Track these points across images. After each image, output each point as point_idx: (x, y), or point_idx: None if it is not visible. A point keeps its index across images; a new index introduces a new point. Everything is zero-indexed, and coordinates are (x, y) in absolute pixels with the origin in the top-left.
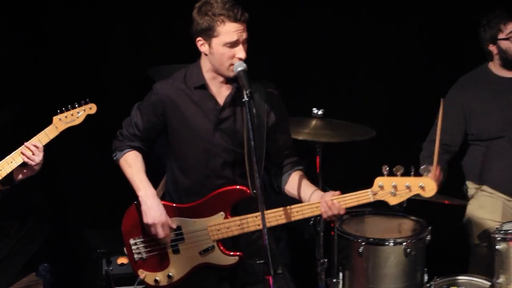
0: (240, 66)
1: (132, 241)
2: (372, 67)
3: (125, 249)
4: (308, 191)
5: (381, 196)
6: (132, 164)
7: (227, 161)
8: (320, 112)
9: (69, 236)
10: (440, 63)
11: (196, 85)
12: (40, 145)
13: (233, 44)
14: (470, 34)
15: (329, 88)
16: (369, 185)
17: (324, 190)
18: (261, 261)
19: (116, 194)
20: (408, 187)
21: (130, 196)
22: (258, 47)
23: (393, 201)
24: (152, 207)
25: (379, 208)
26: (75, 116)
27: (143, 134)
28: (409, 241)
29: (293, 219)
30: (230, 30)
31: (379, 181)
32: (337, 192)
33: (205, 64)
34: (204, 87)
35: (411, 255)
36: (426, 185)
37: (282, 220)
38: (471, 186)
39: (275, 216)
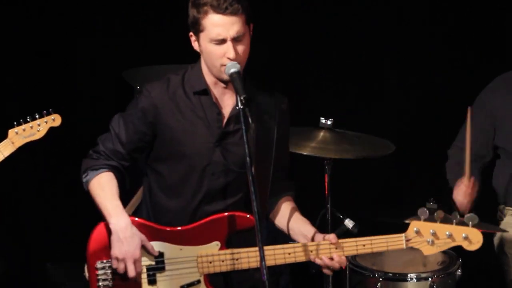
0: (232, 68)
1: (99, 264)
2: (388, 72)
3: (86, 273)
4: (305, 230)
5: (416, 243)
6: (106, 186)
7: (225, 183)
8: (329, 122)
9: (28, 271)
10: (466, 67)
11: (196, 89)
12: None
13: (220, 41)
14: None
15: (339, 96)
16: (387, 208)
17: (333, 214)
18: None
19: (83, 222)
20: (450, 236)
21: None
22: (261, 48)
23: (429, 250)
24: (125, 240)
25: None
26: (35, 129)
27: (126, 149)
28: (436, 276)
29: (298, 260)
30: (213, 24)
31: (415, 225)
32: (332, 239)
33: (205, 65)
34: (205, 92)
35: None
36: (471, 236)
37: (281, 260)
38: (504, 211)
39: (274, 255)
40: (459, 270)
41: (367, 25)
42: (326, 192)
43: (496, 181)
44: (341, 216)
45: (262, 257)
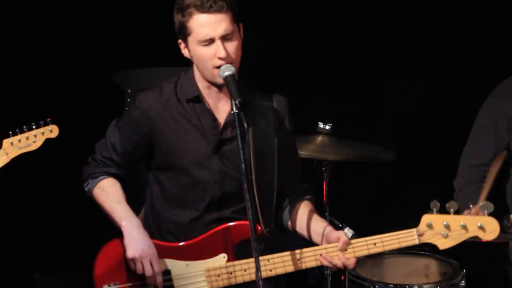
0: (227, 71)
1: None
2: (387, 75)
3: None
4: (319, 227)
5: (429, 237)
6: (110, 191)
7: (225, 191)
8: (327, 127)
9: (16, 282)
10: (466, 69)
11: (188, 97)
12: None
13: (209, 42)
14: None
15: (337, 100)
16: (388, 216)
17: (331, 222)
18: None
19: (72, 231)
20: (464, 227)
21: (89, 233)
22: (257, 51)
23: (444, 244)
24: (139, 238)
25: None
26: (31, 140)
27: (121, 159)
28: None
29: (308, 265)
30: (199, 24)
31: (427, 219)
32: (340, 243)
33: (198, 71)
34: (198, 99)
35: None
36: (486, 225)
37: (291, 268)
38: None
39: (283, 262)
40: (463, 281)
41: (365, 27)
42: (325, 200)
43: (510, 190)
44: (340, 225)
45: (258, 268)
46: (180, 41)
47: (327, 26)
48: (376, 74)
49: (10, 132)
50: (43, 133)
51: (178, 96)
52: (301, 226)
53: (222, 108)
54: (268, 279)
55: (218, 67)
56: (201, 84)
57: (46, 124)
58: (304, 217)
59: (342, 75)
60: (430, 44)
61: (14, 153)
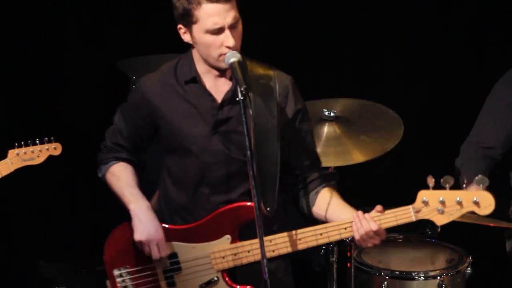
0: (232, 57)
1: (116, 272)
2: (390, 67)
3: (108, 282)
4: (345, 213)
5: (425, 214)
6: (121, 175)
7: (228, 172)
8: (332, 114)
9: (20, 270)
10: (477, 66)
11: (186, 78)
12: None
13: (217, 31)
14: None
15: (340, 90)
16: (398, 205)
17: None
18: None
19: (76, 220)
20: (460, 203)
21: (92, 222)
22: (259, 33)
23: (441, 220)
24: (147, 222)
25: (407, 233)
26: (36, 154)
27: (128, 143)
28: (445, 275)
29: (313, 244)
30: (209, 14)
31: (423, 195)
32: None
33: (197, 54)
34: (195, 80)
35: None
36: (481, 200)
37: (294, 248)
38: None
39: (285, 242)
40: (469, 268)
41: (367, 18)
42: None
43: None
44: None
45: (263, 255)
46: (180, 26)
47: (328, 22)
48: (379, 71)
49: (16, 144)
50: (47, 149)
51: (177, 78)
52: (323, 215)
53: (221, 89)
54: (273, 260)
55: (224, 53)
56: (200, 66)
57: (50, 142)
58: (328, 204)
59: (343, 67)
60: (432, 35)
61: (18, 164)
